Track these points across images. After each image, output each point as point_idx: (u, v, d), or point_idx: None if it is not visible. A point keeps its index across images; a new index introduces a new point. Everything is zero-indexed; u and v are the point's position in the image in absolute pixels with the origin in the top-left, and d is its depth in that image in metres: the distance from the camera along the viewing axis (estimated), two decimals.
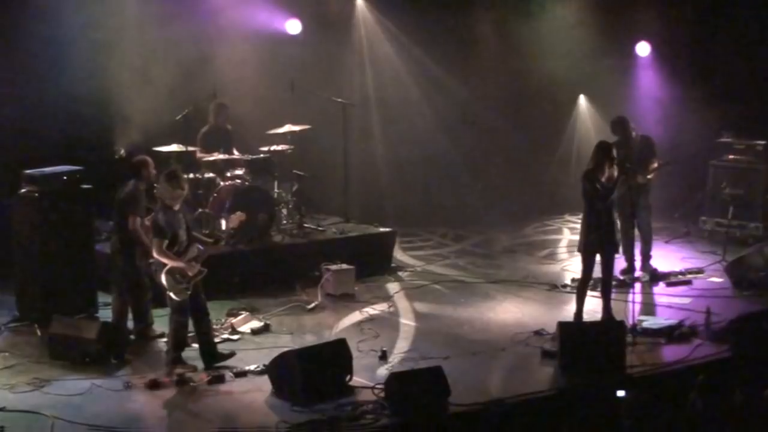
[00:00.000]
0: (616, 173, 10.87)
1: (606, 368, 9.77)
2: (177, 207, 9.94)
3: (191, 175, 13.09)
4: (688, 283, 12.91)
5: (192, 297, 9.90)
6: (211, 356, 10.05)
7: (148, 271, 10.28)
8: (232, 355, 10.12)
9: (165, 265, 9.77)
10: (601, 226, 10.83)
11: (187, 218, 10.20)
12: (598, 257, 11.02)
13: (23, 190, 11.38)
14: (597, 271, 11.12)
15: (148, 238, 10.24)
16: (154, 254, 9.83)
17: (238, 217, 10.76)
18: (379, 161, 16.27)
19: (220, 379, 9.67)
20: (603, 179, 10.82)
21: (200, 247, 10.13)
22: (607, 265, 11.03)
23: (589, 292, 11.16)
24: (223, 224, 12.41)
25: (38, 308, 11.18)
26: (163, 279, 9.80)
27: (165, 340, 10.34)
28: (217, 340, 10.78)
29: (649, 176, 12.76)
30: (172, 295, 9.83)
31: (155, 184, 10.37)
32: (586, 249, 10.98)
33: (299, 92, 14.24)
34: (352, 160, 15.02)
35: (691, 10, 16.15)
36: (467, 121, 14.57)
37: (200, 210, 12.92)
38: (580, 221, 15.90)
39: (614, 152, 10.99)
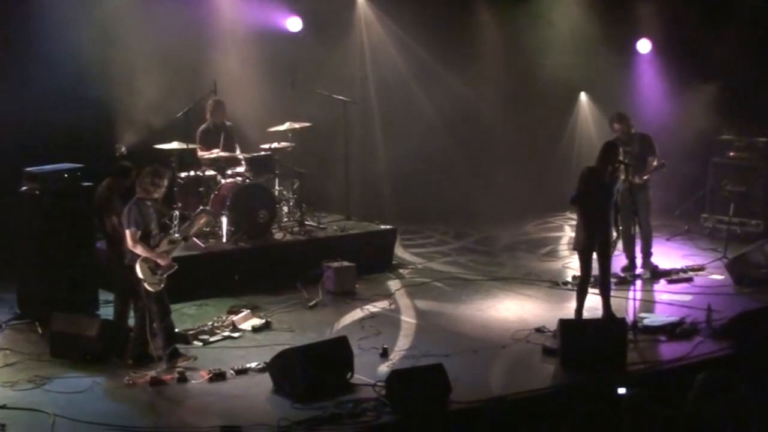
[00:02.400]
0: (621, 174, 10.87)
1: (607, 365, 9.78)
2: (149, 202, 9.96)
3: (192, 173, 13.10)
4: (689, 280, 12.91)
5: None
6: (144, 355, 10.08)
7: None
8: (155, 360, 10.05)
9: (138, 256, 9.81)
10: (593, 225, 10.82)
11: (159, 210, 10.16)
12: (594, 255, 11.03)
13: (24, 188, 11.38)
14: (596, 269, 11.13)
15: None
16: (128, 244, 9.85)
17: (198, 218, 10.75)
18: (380, 158, 16.24)
19: (221, 377, 9.68)
20: (605, 178, 10.80)
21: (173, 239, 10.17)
22: (603, 265, 11.02)
23: (590, 290, 11.15)
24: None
25: (39, 306, 11.17)
26: (138, 269, 9.81)
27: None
28: (217, 337, 10.82)
29: (645, 177, 12.74)
30: (147, 286, 9.83)
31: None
32: (581, 248, 10.99)
33: (300, 89, 14.25)
34: (353, 157, 15.02)
35: (692, 6, 16.11)
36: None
37: (201, 207, 12.92)
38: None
39: (621, 152, 11.01)
